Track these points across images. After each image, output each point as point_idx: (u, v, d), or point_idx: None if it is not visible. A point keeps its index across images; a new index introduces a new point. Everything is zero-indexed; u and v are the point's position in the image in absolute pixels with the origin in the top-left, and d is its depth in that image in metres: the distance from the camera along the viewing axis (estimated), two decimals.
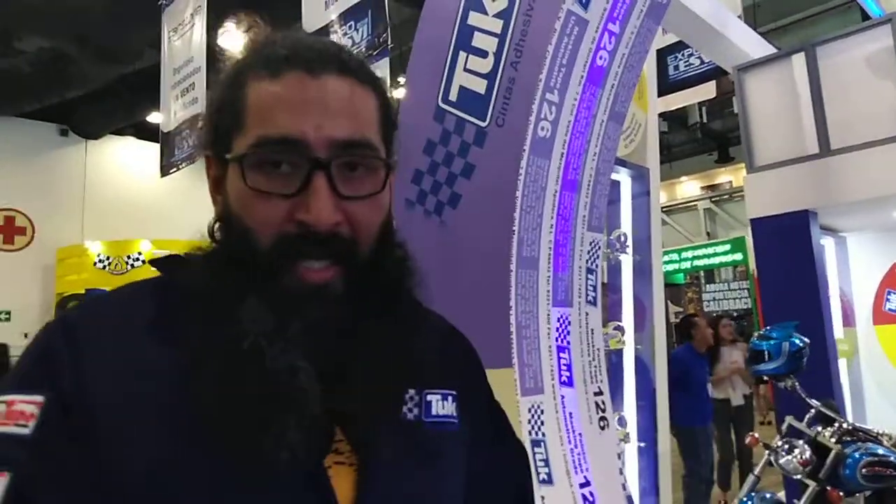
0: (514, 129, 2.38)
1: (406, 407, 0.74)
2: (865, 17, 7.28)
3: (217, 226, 0.74)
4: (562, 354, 2.53)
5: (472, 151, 2.48)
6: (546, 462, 2.33)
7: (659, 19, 2.61)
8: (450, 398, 0.78)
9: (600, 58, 2.49)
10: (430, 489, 0.72)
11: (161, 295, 0.70)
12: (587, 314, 2.65)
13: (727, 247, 11.08)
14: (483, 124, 2.47)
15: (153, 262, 0.74)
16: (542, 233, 2.45)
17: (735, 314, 11.82)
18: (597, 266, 2.70)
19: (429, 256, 2.64)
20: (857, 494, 3.82)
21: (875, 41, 5.26)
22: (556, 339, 2.51)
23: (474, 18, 2.50)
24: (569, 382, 2.53)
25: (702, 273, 12.53)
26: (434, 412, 0.76)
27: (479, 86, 2.49)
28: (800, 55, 5.57)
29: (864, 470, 3.73)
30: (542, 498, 2.23)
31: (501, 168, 2.40)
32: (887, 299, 6.41)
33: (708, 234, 12.86)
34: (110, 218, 12.41)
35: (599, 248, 2.70)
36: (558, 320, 2.53)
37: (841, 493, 3.66)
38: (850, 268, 6.58)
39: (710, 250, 11.05)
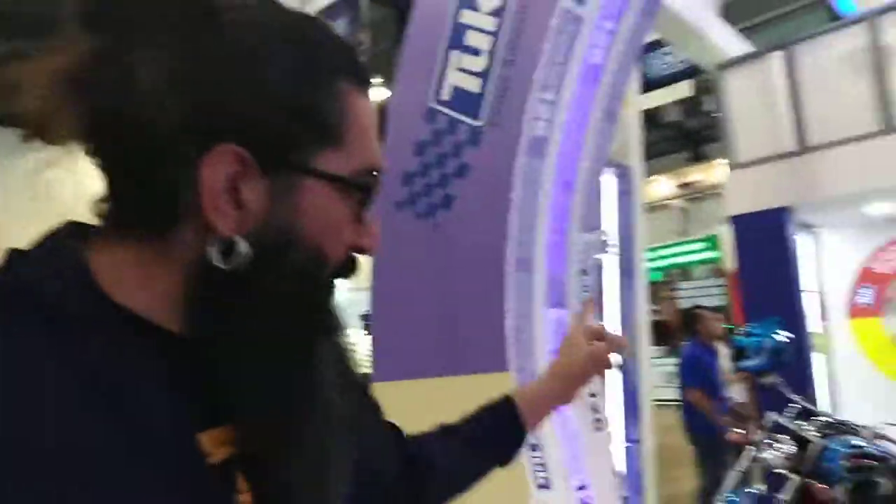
0: (508, 129, 2.35)
1: None
2: (834, 15, 7.34)
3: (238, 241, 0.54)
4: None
5: (467, 151, 2.44)
6: (544, 466, 2.30)
7: (653, 17, 2.59)
8: None
9: (594, 56, 2.46)
10: None
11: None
12: None
13: (702, 244, 11.23)
14: (478, 124, 2.43)
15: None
16: (538, 234, 2.42)
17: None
18: (590, 266, 2.67)
19: (421, 260, 2.60)
20: (838, 486, 3.88)
21: (852, 39, 5.33)
22: (552, 341, 2.48)
23: (467, 16, 2.45)
24: None
25: (676, 271, 12.68)
26: None
27: (473, 85, 2.45)
28: (779, 53, 5.63)
29: (845, 462, 3.79)
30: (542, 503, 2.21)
31: (496, 168, 2.36)
32: (860, 294, 6.53)
33: (682, 231, 13.01)
34: None
35: (593, 249, 2.67)
36: (554, 322, 2.50)
37: (825, 486, 3.71)
38: (824, 263, 6.70)
39: (684, 248, 11.18)
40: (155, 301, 0.52)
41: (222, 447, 0.53)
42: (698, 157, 14.35)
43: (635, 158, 4.54)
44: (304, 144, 0.56)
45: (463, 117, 2.45)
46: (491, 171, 2.36)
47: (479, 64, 2.43)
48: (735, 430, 4.30)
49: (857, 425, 3.95)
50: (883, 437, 3.86)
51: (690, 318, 4.96)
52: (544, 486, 2.27)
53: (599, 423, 2.61)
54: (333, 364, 0.60)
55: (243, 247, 0.52)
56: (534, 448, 2.28)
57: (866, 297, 6.53)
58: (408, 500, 0.89)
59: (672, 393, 6.50)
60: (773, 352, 4.13)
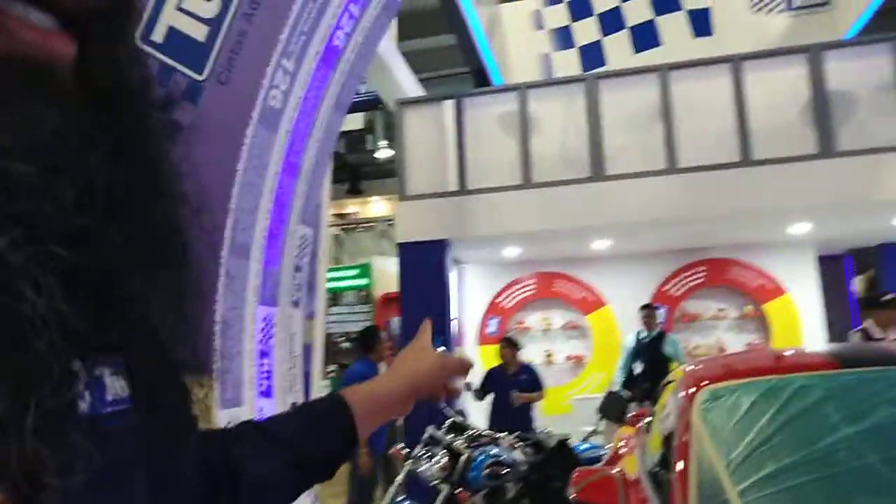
0: (241, 91, 2.02)
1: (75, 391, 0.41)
2: (485, 80, 8.31)
3: None
4: (263, 360, 2.20)
5: (182, 107, 2.01)
6: None
7: (391, 16, 2.56)
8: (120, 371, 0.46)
9: (337, 38, 2.30)
10: None
11: None
12: (291, 316, 2.37)
13: (355, 271, 11.73)
14: (199, 77, 2.03)
15: None
16: (259, 217, 2.11)
17: (355, 336, 12.53)
18: (305, 264, 2.45)
19: None
20: (479, 493, 4.28)
21: (506, 103, 6.23)
22: (260, 343, 2.18)
23: None
24: (268, 393, 2.21)
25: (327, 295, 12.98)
26: (109, 397, 0.45)
27: (198, 32, 2.05)
28: (451, 101, 6.26)
29: (486, 470, 4.21)
30: None
31: (221, 133, 1.99)
32: (489, 324, 7.55)
33: (336, 259, 13.43)
34: None
35: (309, 243, 2.46)
36: (263, 321, 2.20)
37: (468, 493, 4.05)
38: (466, 294, 7.59)
39: (339, 274, 11.53)
40: None
41: None
42: (356, 191, 15.09)
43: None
44: None
45: (180, 66, 2.03)
46: (214, 134, 1.98)
47: (209, 9, 2.05)
48: (396, 446, 4.45)
49: (498, 435, 4.45)
50: (516, 446, 4.42)
51: (370, 337, 5.01)
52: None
53: None
54: None
55: None
56: None
57: (492, 326, 7.57)
58: None
59: None
60: None
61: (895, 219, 6.21)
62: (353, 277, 11.70)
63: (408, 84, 6.61)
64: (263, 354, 2.20)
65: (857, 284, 10.70)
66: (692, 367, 2.69)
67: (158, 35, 2.06)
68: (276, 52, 2.05)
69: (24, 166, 0.35)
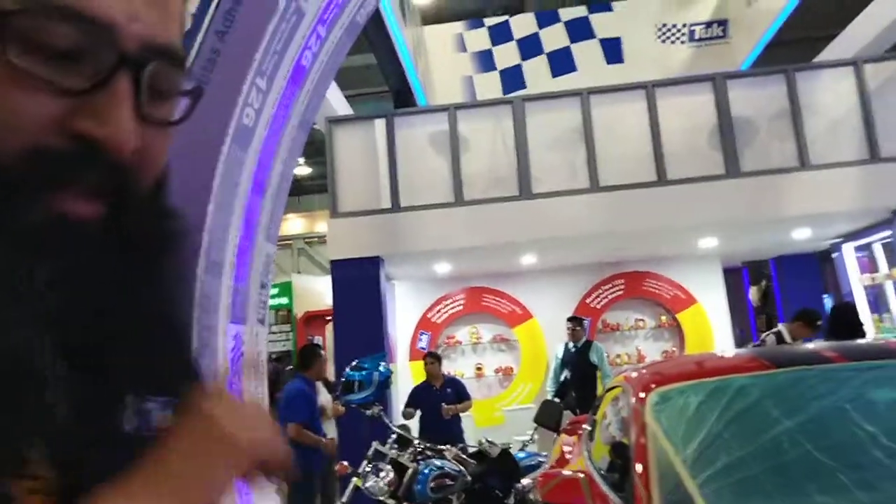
0: (216, 109, 2.01)
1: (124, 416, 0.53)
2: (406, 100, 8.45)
3: None
4: (233, 379, 2.18)
5: None
6: None
7: (354, 37, 2.61)
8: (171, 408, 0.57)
9: (305, 58, 2.34)
10: None
11: None
12: (257, 334, 2.36)
13: (275, 290, 11.50)
14: None
15: None
16: (230, 235, 2.10)
17: (274, 356, 12.22)
18: (269, 281, 2.44)
19: None
20: None
21: (436, 123, 6.36)
22: (231, 362, 2.15)
23: None
24: None
25: None
26: (155, 424, 0.56)
27: None
28: (381, 120, 6.33)
29: (431, 483, 4.26)
30: None
31: (195, 151, 1.98)
32: (420, 339, 7.60)
33: None
34: None
35: (272, 261, 2.46)
36: (233, 338, 2.18)
37: None
38: (398, 310, 7.61)
39: None
40: None
41: None
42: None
43: None
44: None
45: None
46: (187, 153, 1.97)
47: None
48: (341, 462, 4.41)
49: (444, 448, 4.51)
50: (460, 458, 4.49)
51: (308, 355, 4.93)
52: None
53: None
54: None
55: None
56: None
57: (423, 341, 7.63)
58: None
59: None
60: (380, 384, 4.44)
61: (791, 233, 6.81)
62: (273, 297, 11.43)
63: (336, 102, 6.62)
64: (233, 373, 2.17)
65: (753, 294, 11.59)
66: (636, 373, 2.85)
67: None
68: (251, 70, 2.06)
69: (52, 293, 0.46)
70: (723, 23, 8.60)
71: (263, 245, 2.38)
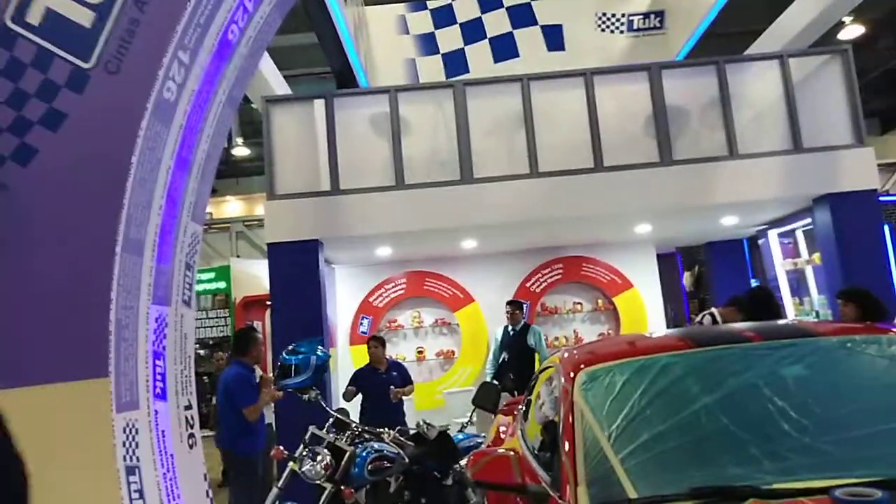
0: (133, 81, 1.93)
1: None
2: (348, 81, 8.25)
3: None
4: (157, 362, 2.11)
5: (64, 96, 1.89)
6: (140, 493, 1.88)
7: (284, 13, 2.55)
8: None
9: (231, 32, 2.27)
10: None
11: None
12: (182, 316, 2.29)
13: (212, 275, 11.19)
14: (85, 65, 1.92)
15: None
16: (152, 213, 2.03)
17: (211, 342, 11.94)
18: (195, 262, 2.38)
19: None
20: (362, 489, 4.31)
21: (377, 105, 6.29)
22: (154, 343, 2.09)
23: None
24: (162, 395, 2.12)
25: None
26: None
27: (83, 17, 1.93)
28: (321, 101, 6.21)
29: (369, 466, 4.25)
30: None
31: (112, 124, 1.90)
32: (361, 323, 7.56)
33: None
34: None
35: (199, 241, 2.39)
36: (156, 320, 2.11)
37: (352, 490, 4.06)
38: (339, 295, 7.54)
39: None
40: None
41: None
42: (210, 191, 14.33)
43: None
44: None
45: (62, 52, 1.91)
46: (103, 126, 1.89)
47: None
48: (277, 447, 4.34)
49: (381, 430, 4.50)
50: (399, 440, 4.50)
51: (244, 339, 4.82)
52: None
53: (192, 440, 2.29)
54: None
55: None
56: (131, 472, 1.84)
57: (364, 326, 7.59)
58: None
59: None
60: (317, 368, 4.39)
61: (720, 220, 7.07)
62: (210, 281, 11.15)
63: (274, 81, 6.46)
64: (157, 356, 2.11)
65: (687, 279, 12.01)
66: (567, 353, 2.91)
67: (33, 17, 1.92)
68: (172, 43, 1.98)
69: None
70: (660, 14, 8.79)
71: (189, 224, 2.31)
